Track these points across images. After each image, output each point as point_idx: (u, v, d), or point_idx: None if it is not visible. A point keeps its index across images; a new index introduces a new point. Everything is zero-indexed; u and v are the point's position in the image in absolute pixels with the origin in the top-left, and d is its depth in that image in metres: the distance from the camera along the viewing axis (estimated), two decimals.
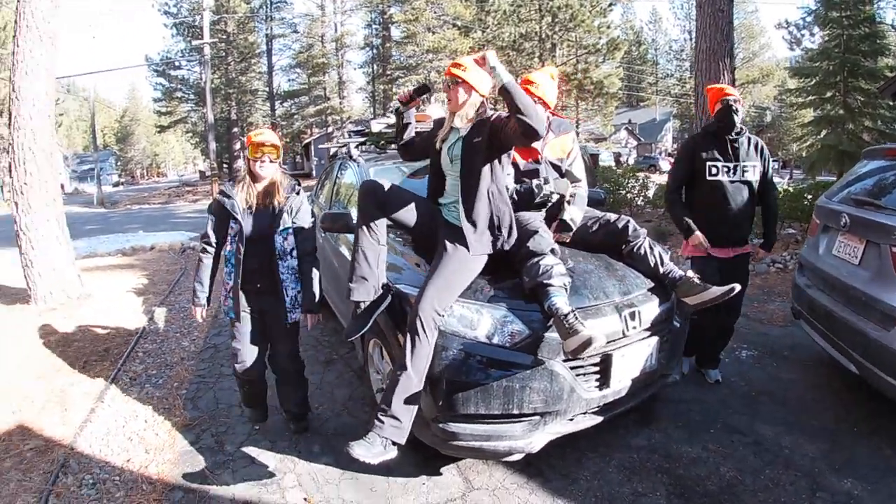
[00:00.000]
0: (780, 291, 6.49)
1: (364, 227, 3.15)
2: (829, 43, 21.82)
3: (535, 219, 3.40)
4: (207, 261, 3.51)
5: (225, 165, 41.72)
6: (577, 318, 2.76)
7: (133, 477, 3.34)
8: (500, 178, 3.15)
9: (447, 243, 3.05)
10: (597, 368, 3.05)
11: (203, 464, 3.43)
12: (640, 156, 50.34)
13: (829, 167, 19.46)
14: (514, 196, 3.48)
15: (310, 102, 41.97)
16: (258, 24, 41.57)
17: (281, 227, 3.39)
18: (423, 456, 3.30)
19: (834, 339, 3.85)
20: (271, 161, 3.36)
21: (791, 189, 11.14)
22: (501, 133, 2.97)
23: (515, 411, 2.88)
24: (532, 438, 2.96)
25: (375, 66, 43.03)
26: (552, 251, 3.13)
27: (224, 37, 38.08)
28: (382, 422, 2.77)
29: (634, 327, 3.11)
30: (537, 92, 3.60)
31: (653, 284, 3.43)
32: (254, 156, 3.29)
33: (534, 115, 2.77)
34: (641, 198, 11.70)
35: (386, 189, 3.19)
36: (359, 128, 5.96)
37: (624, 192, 11.60)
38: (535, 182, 3.53)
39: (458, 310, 2.94)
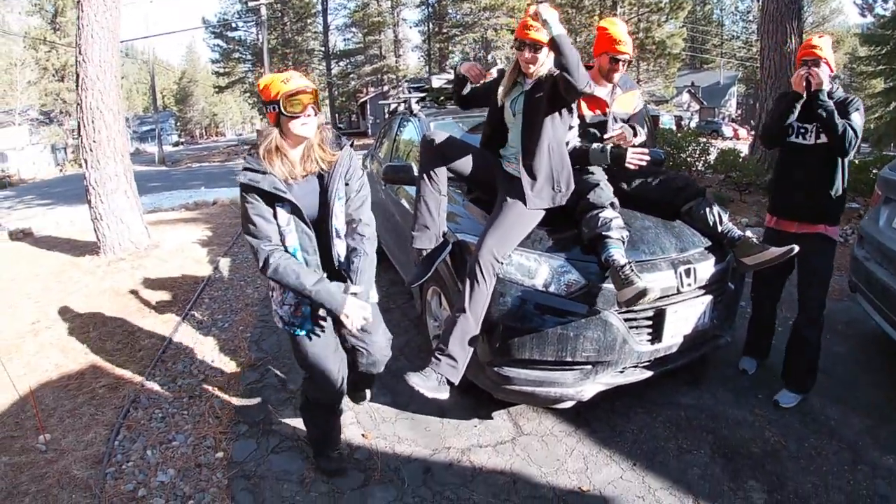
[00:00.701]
0: (840, 265, 6.31)
1: (425, 177, 3.25)
2: None
3: (597, 172, 3.44)
4: (291, 262, 2.41)
5: None
6: (633, 269, 2.82)
7: (200, 411, 3.52)
8: (560, 133, 3.18)
9: (506, 196, 3.12)
10: (650, 322, 3.11)
11: (267, 400, 3.61)
12: (702, 120, 48.75)
13: None
14: (576, 151, 3.51)
15: (365, 62, 42.03)
16: None
17: (337, 199, 2.58)
18: (476, 400, 3.44)
19: (889, 315, 3.77)
20: (316, 113, 2.46)
21: (856, 161, 10.76)
22: (559, 88, 2.98)
23: (568, 359, 2.98)
24: (583, 387, 3.06)
25: (431, 25, 42.63)
26: (612, 205, 3.17)
27: None
28: (439, 359, 2.91)
29: (689, 284, 3.15)
30: (622, 48, 3.55)
31: (710, 244, 3.43)
32: (291, 111, 2.37)
33: (576, 72, 2.81)
34: (702, 162, 11.44)
35: (446, 139, 3.27)
36: (418, 84, 6.01)
37: (685, 155, 11.32)
38: (593, 146, 3.53)
39: (516, 258, 3.03)
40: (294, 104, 2.35)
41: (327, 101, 46.10)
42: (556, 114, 3.14)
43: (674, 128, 36.14)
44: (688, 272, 3.15)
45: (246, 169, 2.38)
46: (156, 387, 3.84)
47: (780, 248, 3.21)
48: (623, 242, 3.01)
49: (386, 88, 38.74)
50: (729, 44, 61.28)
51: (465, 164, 3.32)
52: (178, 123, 76.47)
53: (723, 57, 59.52)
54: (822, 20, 51.78)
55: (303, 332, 2.60)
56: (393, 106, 6.83)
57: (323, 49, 43.89)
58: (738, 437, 3.24)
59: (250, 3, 36.54)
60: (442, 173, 3.25)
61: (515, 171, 3.23)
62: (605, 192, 3.23)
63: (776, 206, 3.63)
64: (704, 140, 12.09)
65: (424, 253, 3.31)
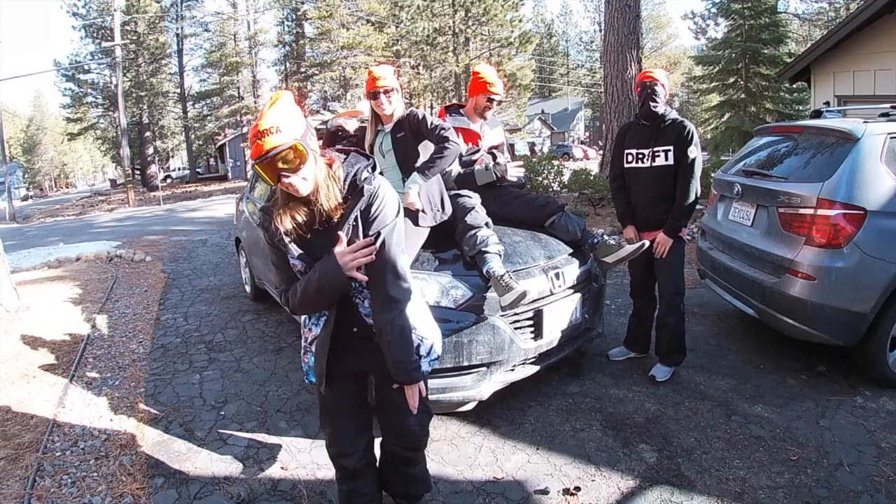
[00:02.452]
0: (689, 259, 7.04)
1: None
2: (732, 32, 23.35)
3: (472, 197, 3.92)
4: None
5: (138, 172, 40.48)
6: (511, 277, 3.38)
7: (111, 471, 3.37)
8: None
9: None
10: (531, 322, 3.64)
11: (178, 450, 3.59)
12: (553, 144, 51.93)
13: (733, 147, 20.78)
14: (459, 177, 4.13)
15: (223, 103, 41.16)
16: (168, 24, 40.23)
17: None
18: None
19: (735, 291, 4.58)
20: (301, 167, 1.95)
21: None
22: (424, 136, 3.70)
23: (465, 363, 3.41)
24: (481, 387, 3.51)
25: (289, 64, 42.48)
26: (486, 224, 3.69)
27: (134, 37, 36.72)
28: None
29: (560, 286, 3.75)
30: (495, 90, 4.22)
31: (573, 250, 4.07)
32: (267, 173, 1.93)
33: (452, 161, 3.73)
34: (557, 183, 12.35)
35: None
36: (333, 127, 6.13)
37: (541, 178, 12.20)
38: (476, 168, 4.13)
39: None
40: (266, 171, 1.93)
41: (184, 145, 44.74)
42: (419, 146, 3.75)
43: (528, 153, 38.04)
44: (557, 275, 3.74)
45: (263, 210, 2.19)
46: (57, 452, 3.63)
47: (633, 244, 3.91)
48: (500, 256, 3.54)
49: (245, 130, 38.12)
50: (574, 72, 65.73)
51: None
52: (27, 175, 71.34)
53: (569, 84, 63.36)
54: (661, 45, 56.40)
55: (312, 380, 2.37)
56: None
57: (178, 91, 42.60)
58: (623, 411, 3.79)
59: (104, 44, 34.99)
60: None
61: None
62: (479, 214, 3.74)
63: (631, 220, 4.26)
64: (558, 163, 13.01)
65: None
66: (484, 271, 3.48)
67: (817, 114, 5.18)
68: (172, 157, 54.03)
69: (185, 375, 4.69)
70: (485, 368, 3.51)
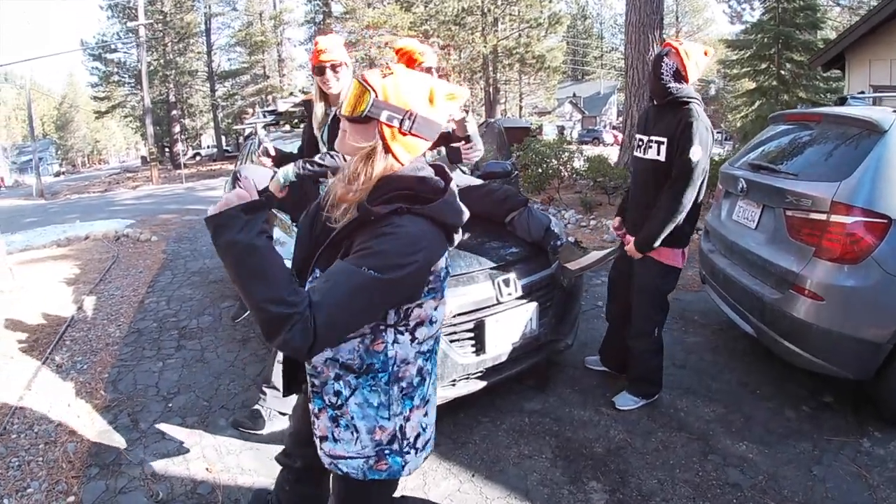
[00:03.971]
0: (693, 259, 6.67)
1: None
2: (765, 15, 22.37)
3: None
4: None
5: (166, 149, 40.92)
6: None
7: (55, 456, 3.39)
8: None
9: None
10: (471, 335, 3.22)
11: (118, 441, 3.53)
12: (584, 129, 50.97)
13: None
14: None
15: (250, 81, 41.26)
16: (197, 2, 40.46)
17: None
18: None
19: (733, 303, 3.99)
20: None
21: (715, 158, 11.58)
22: None
23: None
24: None
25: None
26: None
27: (161, 17, 37.04)
28: (265, 393, 2.91)
29: (509, 294, 3.27)
30: (424, 58, 3.55)
31: (532, 252, 3.56)
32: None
33: None
34: (567, 169, 12.02)
35: (259, 172, 3.24)
36: (271, 108, 6.07)
37: (556, 162, 11.84)
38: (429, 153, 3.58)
39: None
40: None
41: (212, 123, 45.04)
42: None
43: (556, 137, 37.63)
44: (506, 282, 3.28)
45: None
46: (13, 435, 3.66)
47: (603, 250, 3.36)
48: None
49: (272, 108, 38.27)
50: (608, 55, 64.47)
51: (281, 194, 3.29)
52: (59, 152, 72.66)
53: (603, 68, 62.22)
54: (697, 29, 55.03)
55: None
56: (247, 131, 6.86)
57: (207, 70, 42.76)
58: (582, 437, 3.31)
59: (129, 24, 35.37)
60: None
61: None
62: None
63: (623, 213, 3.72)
64: (575, 147, 12.66)
65: None
66: None
67: (842, 101, 4.48)
68: (202, 134, 54.40)
69: (149, 363, 4.65)
70: None
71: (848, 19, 38.43)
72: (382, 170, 1.57)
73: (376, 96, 1.51)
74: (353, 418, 1.67)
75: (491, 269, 3.35)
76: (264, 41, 38.97)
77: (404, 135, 1.55)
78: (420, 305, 1.64)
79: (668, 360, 4.04)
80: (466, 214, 1.67)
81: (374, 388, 1.66)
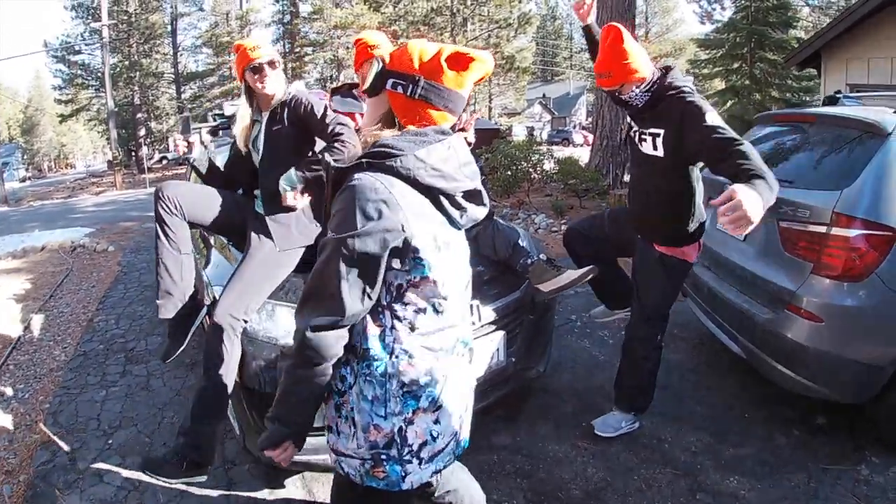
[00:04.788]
0: None
1: (161, 234, 2.81)
2: (737, 14, 22.29)
3: None
4: None
5: (132, 153, 40.14)
6: None
7: None
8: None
9: (252, 237, 2.81)
10: None
11: (55, 482, 3.27)
12: (553, 129, 51.04)
13: None
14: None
15: (217, 83, 40.55)
16: (163, 3, 39.63)
17: None
18: (267, 469, 3.15)
19: (720, 321, 3.69)
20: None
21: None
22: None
23: None
24: None
25: (284, 44, 42.10)
26: None
27: (125, 17, 36.36)
28: (181, 441, 2.61)
29: (472, 323, 2.82)
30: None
31: (498, 272, 3.25)
32: None
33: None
34: (537, 172, 11.83)
35: (182, 188, 2.89)
36: (220, 111, 5.72)
37: (526, 165, 11.60)
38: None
39: (270, 312, 2.74)
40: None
41: (177, 125, 44.31)
42: (304, 144, 2.93)
43: (526, 137, 37.57)
44: (469, 310, 2.97)
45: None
46: None
47: (578, 270, 3.04)
48: None
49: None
50: (578, 56, 64.39)
51: (210, 213, 2.95)
52: (26, 156, 71.16)
53: (572, 68, 62.36)
54: (666, 30, 55.19)
55: None
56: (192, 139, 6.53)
57: (173, 72, 41.89)
58: (557, 478, 3.00)
59: (93, 25, 34.68)
60: (180, 228, 2.83)
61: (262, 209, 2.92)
62: None
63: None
64: (546, 149, 12.47)
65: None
66: None
67: (832, 100, 4.23)
68: (168, 137, 53.64)
69: (93, 391, 4.37)
70: None
71: (818, 19, 38.95)
72: (376, 134, 1.53)
73: (383, 65, 1.51)
74: (352, 409, 1.59)
75: None
76: (231, 42, 38.34)
77: (414, 101, 1.49)
78: (414, 285, 1.53)
79: None
80: (465, 181, 1.55)
81: (368, 377, 1.55)
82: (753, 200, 1.83)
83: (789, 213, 3.13)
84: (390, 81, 1.49)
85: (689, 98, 2.70)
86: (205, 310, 2.97)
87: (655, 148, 2.85)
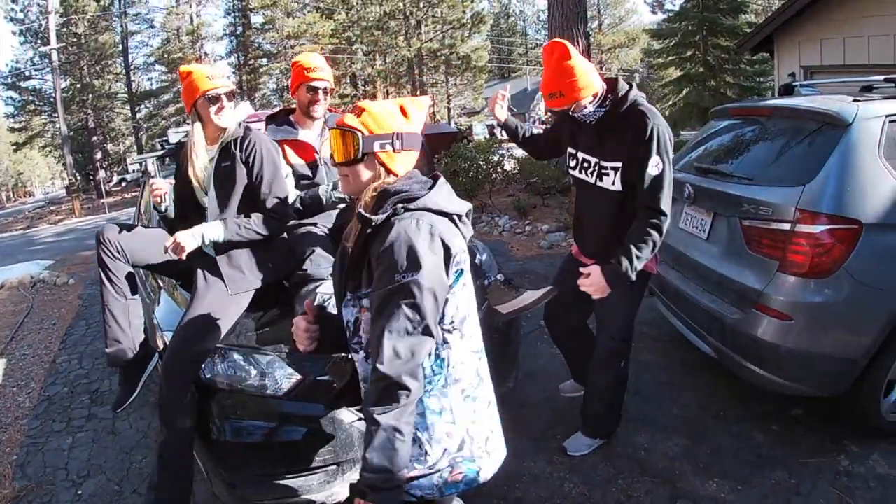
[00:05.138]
0: None
1: (106, 281, 2.71)
2: (688, 3, 22.55)
3: (313, 232, 3.05)
4: None
5: (90, 177, 39.41)
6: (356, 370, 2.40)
7: None
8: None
9: (199, 278, 2.72)
10: None
11: None
12: None
13: (692, 124, 19.91)
14: (300, 206, 3.15)
15: (171, 100, 39.71)
16: (112, 22, 38.67)
17: None
18: None
19: (688, 321, 3.65)
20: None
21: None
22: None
23: (303, 466, 2.58)
24: (332, 489, 2.66)
25: (237, 56, 41.61)
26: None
27: (74, 39, 35.65)
28: (152, 498, 2.55)
29: None
30: (318, 75, 3.15)
31: None
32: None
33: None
34: (498, 172, 11.73)
35: (122, 231, 2.78)
36: (165, 139, 5.52)
37: (486, 166, 11.40)
38: (321, 187, 3.17)
39: (220, 356, 2.63)
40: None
41: (134, 147, 43.62)
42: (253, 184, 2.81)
43: (487, 136, 37.52)
44: None
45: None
46: None
47: (538, 290, 2.90)
48: None
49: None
50: (533, 51, 64.61)
51: (153, 255, 2.84)
52: None
53: (528, 64, 62.52)
54: (619, 20, 55.41)
55: None
56: (135, 166, 6.27)
57: (126, 92, 40.91)
58: (534, 496, 2.94)
59: (41, 49, 33.99)
60: (124, 272, 2.74)
61: (211, 251, 2.81)
62: (324, 258, 2.83)
63: (574, 234, 3.25)
64: (505, 149, 12.37)
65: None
66: None
67: (787, 90, 4.09)
68: (126, 158, 52.75)
69: (59, 438, 4.24)
70: (334, 467, 2.63)
71: (767, 2, 39.38)
72: (381, 182, 1.70)
73: (364, 134, 1.65)
74: (417, 430, 1.65)
75: None
76: (183, 58, 37.71)
77: (398, 153, 1.69)
78: (455, 294, 1.68)
79: None
80: (466, 204, 1.76)
81: (431, 393, 1.67)
82: (600, 281, 2.66)
83: (751, 211, 3.08)
84: (377, 144, 1.66)
85: (649, 126, 2.60)
86: (156, 356, 2.88)
87: (614, 183, 2.75)
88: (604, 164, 2.77)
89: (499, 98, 3.14)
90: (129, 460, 3.85)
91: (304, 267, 2.81)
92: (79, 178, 33.71)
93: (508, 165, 11.92)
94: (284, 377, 2.60)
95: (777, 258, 2.92)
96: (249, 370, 2.61)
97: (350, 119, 1.68)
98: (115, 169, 43.54)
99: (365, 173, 1.70)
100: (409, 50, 36.49)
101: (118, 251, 2.71)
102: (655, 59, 26.84)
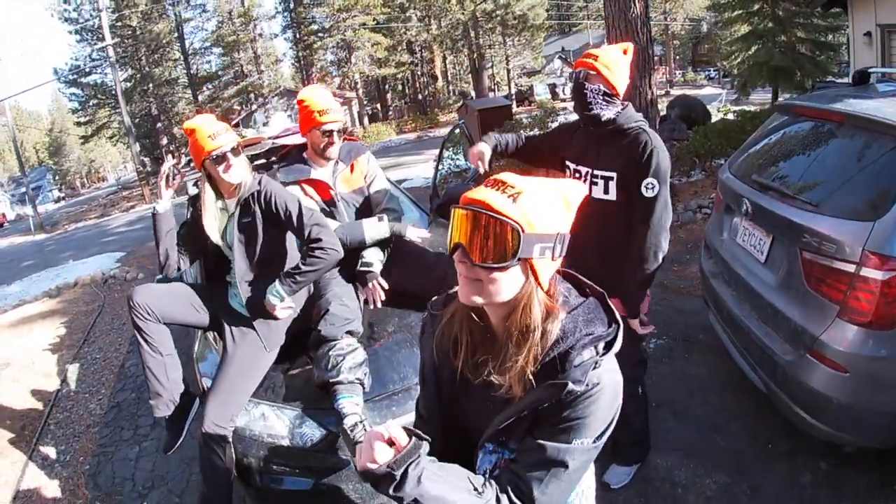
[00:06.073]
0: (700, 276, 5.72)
1: (142, 342, 2.81)
2: None
3: (332, 284, 3.00)
4: None
5: (159, 161, 40.59)
6: (367, 429, 2.42)
7: None
8: (292, 252, 2.99)
9: (228, 335, 2.79)
10: None
11: None
12: None
13: (763, 83, 19.11)
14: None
15: (231, 82, 40.59)
16: (166, 9, 39.31)
17: None
18: None
19: (740, 348, 3.35)
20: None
21: (721, 113, 11.01)
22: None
23: None
24: None
25: (291, 33, 41.90)
26: (350, 332, 2.80)
27: (130, 32, 36.56)
28: None
29: None
30: (329, 118, 3.11)
31: None
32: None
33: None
34: None
35: (152, 291, 2.88)
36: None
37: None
38: (364, 222, 3.20)
39: (253, 411, 2.75)
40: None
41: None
42: (279, 231, 2.88)
43: (549, 96, 36.64)
44: None
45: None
46: None
47: None
48: (362, 385, 2.63)
49: (254, 107, 37.87)
50: (593, 4, 62.30)
51: (183, 312, 2.95)
52: (57, 177, 72.77)
53: (589, 18, 60.52)
54: None
55: None
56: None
57: (186, 76, 41.87)
58: None
59: (97, 46, 34.93)
60: (157, 332, 2.83)
61: (241, 307, 2.88)
62: (338, 316, 2.80)
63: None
64: (560, 119, 11.86)
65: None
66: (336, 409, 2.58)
67: (862, 77, 3.49)
68: None
69: (126, 448, 4.50)
70: None
71: None
72: (547, 314, 1.29)
73: (523, 230, 1.19)
74: None
75: None
76: (237, 40, 38.20)
77: (554, 260, 1.28)
78: None
79: (668, 406, 3.59)
80: None
81: None
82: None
83: (813, 244, 2.71)
84: (538, 247, 1.23)
85: (649, 146, 2.59)
86: (197, 401, 3.01)
87: (607, 192, 2.71)
88: (596, 172, 2.73)
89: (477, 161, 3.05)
90: (189, 471, 4.00)
91: (319, 327, 2.80)
92: (148, 163, 34.76)
93: None
94: (309, 430, 2.70)
95: (838, 301, 2.57)
96: (277, 423, 2.73)
97: (502, 203, 1.21)
98: (183, 151, 44.64)
99: (510, 284, 1.25)
100: (463, 13, 35.98)
101: (148, 313, 2.80)
102: (722, 13, 25.35)
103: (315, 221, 2.76)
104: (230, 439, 2.67)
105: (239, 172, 2.79)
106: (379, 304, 3.13)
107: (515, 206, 1.20)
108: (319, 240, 2.72)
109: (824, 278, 2.65)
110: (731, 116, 9.93)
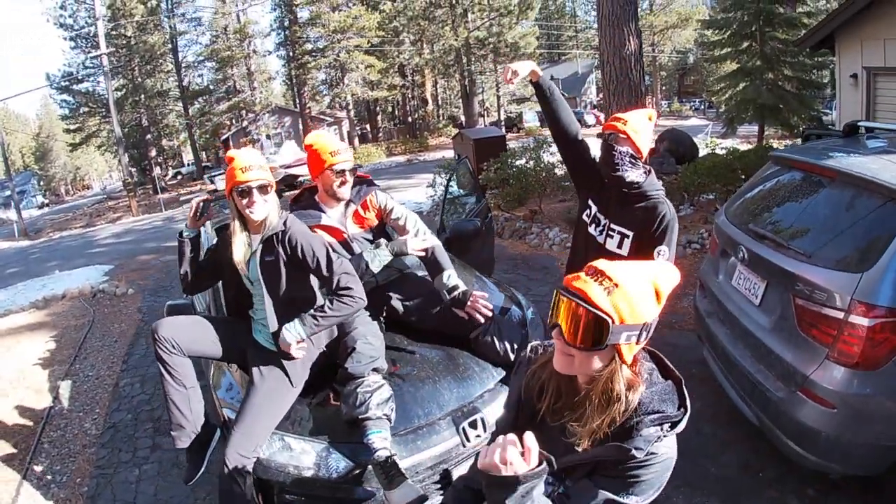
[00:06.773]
0: (696, 281, 5.53)
1: (166, 374, 2.84)
2: None
3: (358, 322, 3.04)
4: None
5: (147, 172, 40.47)
6: (396, 465, 2.53)
7: None
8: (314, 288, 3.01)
9: (254, 370, 2.83)
10: (439, 487, 2.78)
11: None
12: None
13: (749, 119, 19.55)
14: None
15: (223, 97, 40.47)
16: (161, 21, 39.35)
17: None
18: None
19: (734, 384, 3.55)
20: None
21: (710, 147, 11.17)
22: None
23: None
24: None
25: (284, 51, 42.16)
26: (375, 369, 2.86)
27: (124, 42, 36.56)
28: None
29: (477, 436, 2.84)
30: (339, 158, 3.13)
31: (504, 374, 3.14)
32: None
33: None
34: (551, 178, 11.00)
35: (177, 324, 2.92)
36: (211, 188, 5.58)
37: (536, 171, 10.89)
38: (365, 253, 3.21)
39: (277, 443, 2.77)
40: None
41: (188, 142, 44.52)
42: (303, 272, 2.89)
43: (538, 124, 36.92)
44: (473, 424, 2.85)
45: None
46: None
47: None
48: (388, 420, 2.71)
49: (245, 124, 37.93)
50: (583, 33, 63.27)
51: (207, 346, 3.00)
52: (42, 183, 71.96)
53: (578, 47, 61.38)
54: (669, 1, 53.75)
55: None
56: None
57: (178, 89, 41.63)
58: None
59: (91, 54, 34.88)
60: (181, 365, 2.86)
61: (268, 343, 2.91)
62: (364, 355, 2.87)
63: None
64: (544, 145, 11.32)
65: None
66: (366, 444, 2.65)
67: (851, 130, 3.77)
68: (181, 153, 53.83)
69: (125, 471, 4.42)
70: None
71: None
72: (629, 386, 1.46)
73: (613, 322, 1.36)
74: None
75: (454, 411, 2.90)
76: (231, 56, 38.25)
77: (639, 344, 1.44)
78: None
79: None
80: None
81: None
82: None
83: (806, 291, 2.94)
84: (624, 335, 1.39)
85: (667, 217, 2.85)
86: (218, 431, 3.05)
87: (620, 247, 2.92)
88: (612, 226, 2.95)
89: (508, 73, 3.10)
90: (193, 497, 3.97)
91: (346, 365, 2.87)
92: (135, 172, 34.60)
93: (560, 171, 10.93)
94: (337, 462, 2.73)
95: (827, 345, 2.80)
96: (303, 455, 2.76)
97: (597, 295, 1.37)
98: (171, 163, 44.54)
99: (597, 362, 1.44)
100: (456, 39, 36.42)
101: (173, 346, 2.84)
102: (711, 50, 25.71)
103: (344, 270, 2.80)
104: (251, 469, 2.72)
105: (261, 211, 2.77)
106: (488, 314, 3.18)
107: (609, 300, 1.37)
108: (350, 288, 2.77)
109: (815, 323, 2.89)
110: (719, 151, 10.11)
